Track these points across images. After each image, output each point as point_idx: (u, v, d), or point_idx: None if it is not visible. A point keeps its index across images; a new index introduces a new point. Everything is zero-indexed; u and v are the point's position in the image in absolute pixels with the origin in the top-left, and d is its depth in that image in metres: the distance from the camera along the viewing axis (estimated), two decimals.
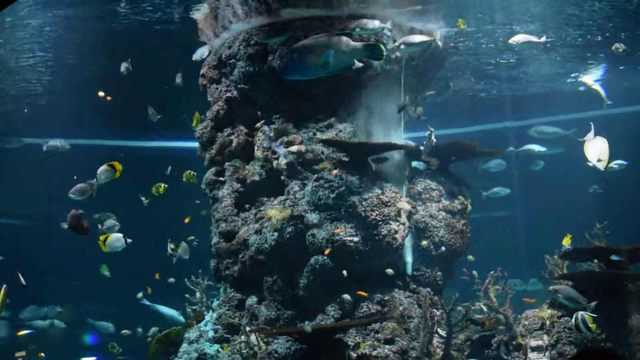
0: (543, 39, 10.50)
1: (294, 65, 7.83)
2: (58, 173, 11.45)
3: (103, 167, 9.13)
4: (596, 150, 9.35)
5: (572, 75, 13.07)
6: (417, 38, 9.93)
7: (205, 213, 11.85)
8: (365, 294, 9.58)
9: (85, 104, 13.04)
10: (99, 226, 10.49)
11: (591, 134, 9.45)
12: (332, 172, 9.98)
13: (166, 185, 10.75)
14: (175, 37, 11.73)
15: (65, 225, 9.08)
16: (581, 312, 8.67)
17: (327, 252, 9.72)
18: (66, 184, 9.70)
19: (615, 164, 11.39)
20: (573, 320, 8.76)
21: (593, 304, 9.23)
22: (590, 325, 8.53)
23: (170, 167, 10.58)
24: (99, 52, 12.34)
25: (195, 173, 10.81)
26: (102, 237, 9.45)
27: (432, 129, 10.76)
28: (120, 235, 9.58)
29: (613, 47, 11.04)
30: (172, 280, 12.66)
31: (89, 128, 13.65)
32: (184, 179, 10.75)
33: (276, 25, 10.31)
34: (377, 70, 10.29)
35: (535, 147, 12.35)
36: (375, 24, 8.93)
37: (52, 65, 12.67)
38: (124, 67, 11.50)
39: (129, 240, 9.52)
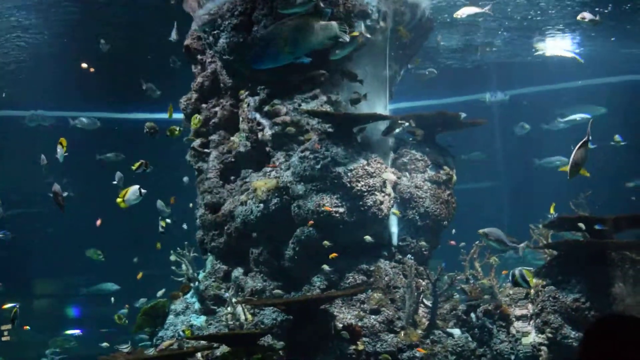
0: (487, 8, 10.65)
1: (262, 54, 7.76)
2: (39, 147, 11.37)
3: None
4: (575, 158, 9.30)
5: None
6: (470, 10, 10.78)
7: (187, 180, 11.82)
8: (335, 255, 9.62)
9: (70, 76, 12.95)
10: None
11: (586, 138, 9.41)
12: (315, 145, 9.97)
13: (182, 129, 10.72)
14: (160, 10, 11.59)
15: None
16: (519, 268, 8.86)
17: (310, 223, 9.74)
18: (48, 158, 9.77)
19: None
20: (511, 276, 8.96)
21: (523, 244, 9.33)
22: (528, 279, 8.73)
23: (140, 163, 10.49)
24: (83, 27, 12.19)
25: (181, 128, 10.72)
26: (121, 194, 9.51)
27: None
28: (136, 187, 9.57)
29: (579, 17, 11.00)
30: (135, 260, 12.72)
31: (72, 100, 13.46)
32: (167, 133, 10.69)
33: None
34: (363, 39, 10.24)
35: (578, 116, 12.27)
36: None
37: (33, 37, 12.52)
38: (102, 44, 11.53)
39: (143, 191, 9.55)
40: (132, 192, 9.62)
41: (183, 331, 10.27)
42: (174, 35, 11.53)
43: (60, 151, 9.70)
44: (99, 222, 12.47)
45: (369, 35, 10.19)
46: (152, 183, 11.14)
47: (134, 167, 10.48)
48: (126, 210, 10.04)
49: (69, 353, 12.47)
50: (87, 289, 13.25)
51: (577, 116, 11.93)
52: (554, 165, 12.28)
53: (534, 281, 9.20)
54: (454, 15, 10.78)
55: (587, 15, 10.76)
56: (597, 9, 11.94)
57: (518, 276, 8.79)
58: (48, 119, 14.27)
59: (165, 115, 11.30)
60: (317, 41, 7.84)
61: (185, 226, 11.96)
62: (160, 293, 11.91)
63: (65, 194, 9.49)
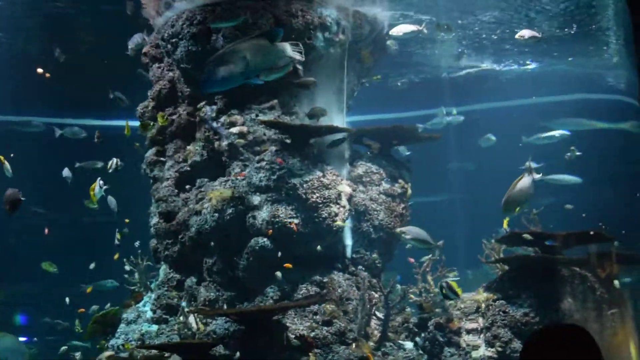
0: (423, 26, 10.67)
1: (213, 78, 7.76)
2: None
3: None
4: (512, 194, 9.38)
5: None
6: (407, 27, 10.56)
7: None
8: (289, 265, 9.66)
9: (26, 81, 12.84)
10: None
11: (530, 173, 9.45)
12: (278, 160, 9.98)
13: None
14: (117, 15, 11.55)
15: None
16: (445, 280, 9.07)
17: (269, 232, 9.73)
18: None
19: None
20: (439, 288, 9.12)
21: (440, 242, 9.42)
22: (456, 290, 8.89)
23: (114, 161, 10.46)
24: (41, 34, 12.13)
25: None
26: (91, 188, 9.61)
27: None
28: (98, 181, 9.69)
29: (517, 35, 10.97)
30: (92, 266, 12.62)
31: (27, 105, 13.35)
32: (140, 130, 10.71)
33: (220, 5, 10.29)
34: (320, 53, 10.35)
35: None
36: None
37: None
38: (58, 53, 11.46)
39: (104, 186, 9.66)
40: (97, 186, 9.74)
41: (123, 345, 10.22)
42: (136, 40, 11.42)
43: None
44: (46, 230, 12.37)
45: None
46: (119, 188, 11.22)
47: (108, 168, 10.51)
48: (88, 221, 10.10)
49: None
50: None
51: (557, 132, 11.98)
52: (544, 141, 12.27)
53: (460, 292, 9.32)
54: (390, 33, 10.80)
55: (526, 33, 10.74)
56: (565, 30, 12.08)
57: (446, 288, 8.94)
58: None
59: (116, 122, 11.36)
60: (268, 62, 7.93)
61: (137, 243, 11.85)
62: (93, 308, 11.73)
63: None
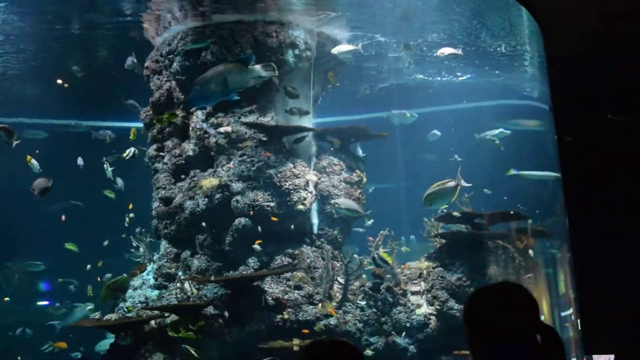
0: (359, 45, 10.68)
1: (198, 96, 8.16)
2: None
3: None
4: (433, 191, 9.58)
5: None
6: (346, 47, 10.59)
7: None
8: (260, 242, 9.90)
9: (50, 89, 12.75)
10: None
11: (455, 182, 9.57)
12: (265, 154, 10.18)
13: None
14: (125, 34, 11.55)
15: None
16: (377, 252, 9.58)
17: (251, 213, 9.94)
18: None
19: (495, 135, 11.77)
20: (371, 259, 9.64)
21: (368, 212, 9.72)
22: (386, 260, 9.45)
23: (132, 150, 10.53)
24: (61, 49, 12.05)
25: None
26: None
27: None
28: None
29: (439, 52, 10.97)
30: (106, 243, 12.70)
31: (52, 109, 13.23)
32: (157, 122, 10.80)
33: (208, 27, 10.40)
34: (291, 66, 10.46)
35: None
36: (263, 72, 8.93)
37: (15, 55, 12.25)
38: (75, 70, 11.56)
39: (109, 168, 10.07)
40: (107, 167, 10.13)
41: (127, 308, 10.25)
42: (129, 62, 11.48)
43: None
44: (63, 217, 12.41)
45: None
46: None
47: (124, 155, 10.54)
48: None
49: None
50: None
51: (497, 131, 11.91)
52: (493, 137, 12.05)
53: (390, 260, 9.70)
54: (332, 51, 10.75)
55: (446, 50, 10.75)
56: (499, 47, 12.15)
57: (377, 258, 9.44)
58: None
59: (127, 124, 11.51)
60: (244, 82, 8.31)
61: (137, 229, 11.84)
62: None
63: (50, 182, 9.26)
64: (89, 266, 12.34)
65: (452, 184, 9.45)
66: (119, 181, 11.44)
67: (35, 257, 13.18)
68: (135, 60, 11.42)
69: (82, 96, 12.51)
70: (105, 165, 10.35)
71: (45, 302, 12.43)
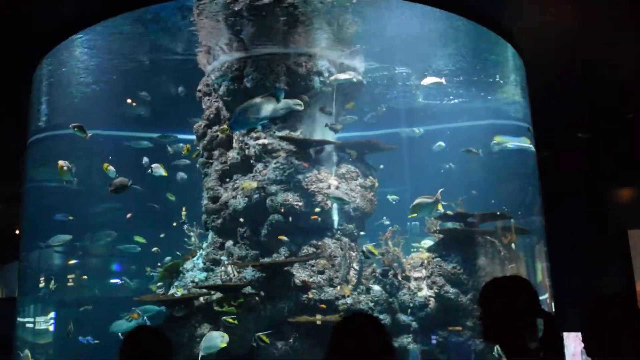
0: (353, 75, 10.63)
1: (239, 121, 8.56)
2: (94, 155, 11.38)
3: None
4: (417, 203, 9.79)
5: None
6: (342, 76, 10.56)
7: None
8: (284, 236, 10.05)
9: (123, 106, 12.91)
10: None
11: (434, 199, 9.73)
12: (304, 164, 10.31)
13: (226, 128, 10.83)
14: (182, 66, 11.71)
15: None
16: (366, 245, 9.64)
17: (282, 210, 10.08)
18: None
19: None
20: (360, 252, 9.76)
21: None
22: (373, 252, 9.51)
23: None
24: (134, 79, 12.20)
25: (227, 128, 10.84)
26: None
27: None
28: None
29: (422, 82, 10.88)
30: (162, 235, 12.83)
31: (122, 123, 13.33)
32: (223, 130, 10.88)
33: (250, 58, 10.47)
34: (317, 90, 10.52)
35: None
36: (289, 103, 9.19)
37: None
38: (143, 95, 11.82)
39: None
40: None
41: (175, 286, 10.45)
42: (180, 89, 11.67)
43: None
44: (128, 215, 12.59)
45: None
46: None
47: (194, 156, 10.94)
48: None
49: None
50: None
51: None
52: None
53: (377, 252, 9.81)
54: (330, 79, 10.63)
55: (429, 80, 10.68)
56: (490, 78, 12.10)
57: (366, 251, 9.55)
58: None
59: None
60: (274, 113, 8.57)
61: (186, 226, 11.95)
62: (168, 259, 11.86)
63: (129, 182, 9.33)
64: (155, 248, 12.58)
65: (430, 200, 9.67)
66: (180, 174, 11.70)
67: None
68: (183, 88, 11.64)
69: (150, 113, 12.59)
70: (155, 171, 10.32)
71: (117, 280, 12.43)
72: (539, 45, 10.18)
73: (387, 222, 11.24)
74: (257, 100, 8.65)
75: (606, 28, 9.90)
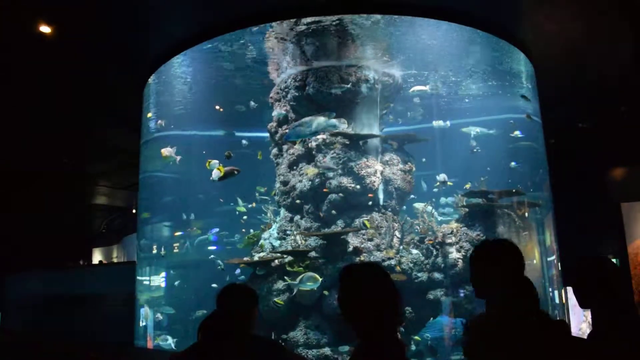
0: (427, 87, 10.56)
1: (294, 134, 8.75)
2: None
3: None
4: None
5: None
6: (419, 87, 10.68)
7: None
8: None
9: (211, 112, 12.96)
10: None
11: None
12: (363, 163, 10.26)
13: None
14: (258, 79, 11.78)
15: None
16: (361, 219, 9.63)
17: (339, 192, 10.18)
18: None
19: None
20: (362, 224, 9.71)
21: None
22: (366, 225, 9.57)
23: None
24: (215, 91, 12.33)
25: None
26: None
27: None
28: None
29: (410, 91, 10.71)
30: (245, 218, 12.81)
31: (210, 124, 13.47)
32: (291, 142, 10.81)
33: (310, 70, 10.50)
34: (364, 95, 10.48)
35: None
36: (339, 125, 9.11)
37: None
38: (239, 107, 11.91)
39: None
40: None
41: (257, 251, 10.52)
42: (252, 104, 11.74)
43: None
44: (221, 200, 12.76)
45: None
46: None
47: (259, 156, 11.01)
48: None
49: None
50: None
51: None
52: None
53: (369, 225, 9.89)
54: (410, 90, 10.51)
55: (416, 88, 10.65)
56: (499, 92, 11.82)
57: (360, 223, 9.65)
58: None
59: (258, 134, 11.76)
60: (321, 129, 8.72)
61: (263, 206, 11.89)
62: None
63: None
64: (245, 217, 12.73)
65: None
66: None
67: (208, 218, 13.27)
68: (254, 103, 11.79)
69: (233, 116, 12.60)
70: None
71: (214, 247, 12.70)
72: (546, 53, 10.07)
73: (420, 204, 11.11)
74: (310, 118, 8.80)
75: (602, 36, 9.83)
